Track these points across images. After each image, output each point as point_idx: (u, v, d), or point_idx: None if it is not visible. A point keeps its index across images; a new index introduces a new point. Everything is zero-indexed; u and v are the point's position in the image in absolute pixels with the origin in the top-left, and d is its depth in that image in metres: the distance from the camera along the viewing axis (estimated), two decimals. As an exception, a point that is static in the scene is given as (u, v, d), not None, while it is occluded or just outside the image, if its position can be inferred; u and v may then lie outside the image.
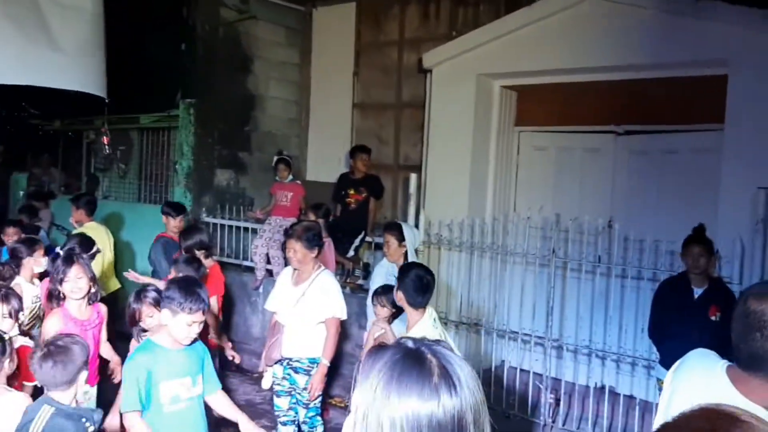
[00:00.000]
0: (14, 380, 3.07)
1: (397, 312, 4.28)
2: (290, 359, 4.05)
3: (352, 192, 6.52)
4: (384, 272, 4.76)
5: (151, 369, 2.83)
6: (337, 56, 7.71)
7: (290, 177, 7.01)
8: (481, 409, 1.07)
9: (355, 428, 1.09)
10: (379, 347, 1.21)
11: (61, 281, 3.48)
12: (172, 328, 2.85)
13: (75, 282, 3.48)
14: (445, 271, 5.81)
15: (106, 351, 3.80)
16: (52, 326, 3.40)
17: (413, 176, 6.04)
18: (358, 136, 7.54)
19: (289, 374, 4.07)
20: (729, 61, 4.67)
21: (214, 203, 7.24)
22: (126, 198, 8.23)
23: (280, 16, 7.64)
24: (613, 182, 5.78)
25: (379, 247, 6.18)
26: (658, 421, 1.71)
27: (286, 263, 6.49)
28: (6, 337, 2.75)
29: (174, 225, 5.54)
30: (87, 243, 4.63)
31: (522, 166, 6.32)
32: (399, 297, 3.46)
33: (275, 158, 7.09)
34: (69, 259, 3.54)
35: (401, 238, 4.70)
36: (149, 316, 3.46)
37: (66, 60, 5.63)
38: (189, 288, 2.88)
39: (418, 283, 3.42)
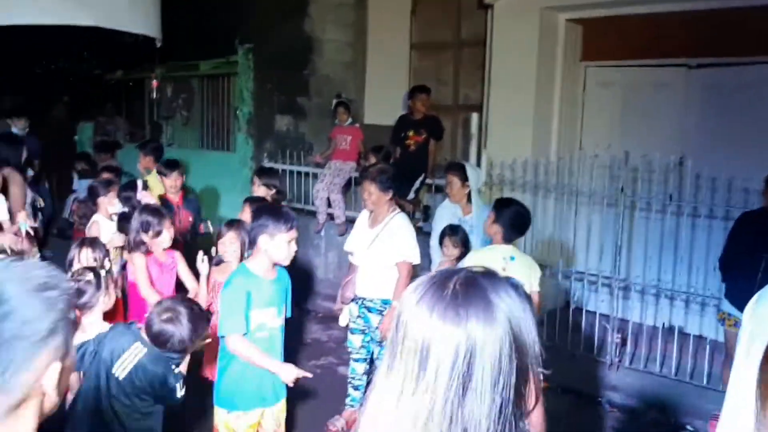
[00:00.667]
0: (113, 317, 3.22)
1: (465, 252, 4.30)
2: (364, 299, 4.10)
3: (411, 133, 6.42)
4: (448, 213, 4.74)
5: (250, 293, 2.94)
6: (393, -6, 7.55)
7: (349, 120, 7.00)
8: (503, 348, 1.02)
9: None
10: None
11: (149, 232, 3.69)
12: (272, 252, 2.94)
13: (168, 232, 3.75)
14: (508, 212, 5.75)
15: (190, 282, 3.94)
16: (141, 266, 3.59)
17: (474, 116, 5.95)
18: (416, 77, 7.41)
19: (363, 313, 4.12)
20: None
21: (275, 149, 7.31)
22: (189, 145, 8.38)
23: (335, -45, 7.50)
24: (684, 118, 5.55)
25: (439, 189, 6.14)
26: (739, 354, 1.65)
27: (348, 206, 6.63)
28: (102, 272, 2.88)
29: (170, 185, 5.20)
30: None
31: (588, 102, 6.13)
32: (494, 230, 3.46)
33: (334, 102, 7.08)
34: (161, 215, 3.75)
35: (464, 178, 4.64)
36: (231, 242, 3.59)
37: (121, 1, 5.61)
38: (276, 210, 3.03)
39: (519, 219, 3.45)
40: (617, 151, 5.30)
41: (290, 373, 2.96)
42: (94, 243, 3.60)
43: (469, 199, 4.71)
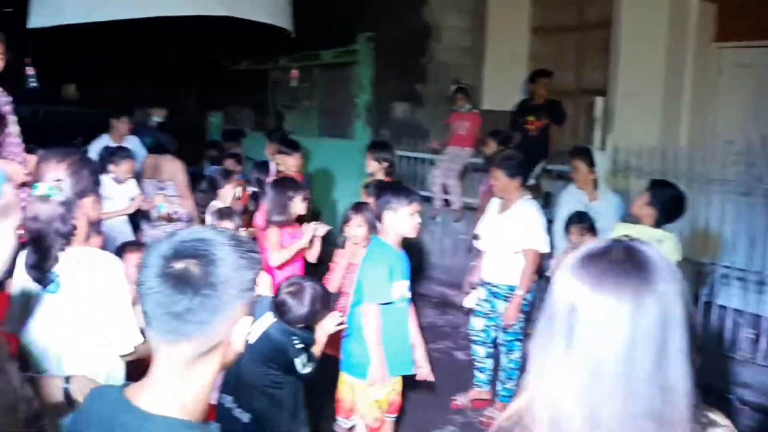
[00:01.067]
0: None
1: (591, 239, 4.22)
2: (490, 284, 4.12)
3: (532, 118, 6.32)
4: (573, 200, 4.66)
5: (392, 265, 3.10)
6: (513, -22, 7.44)
7: (468, 106, 6.99)
8: (682, 310, 1.05)
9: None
10: None
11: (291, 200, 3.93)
12: (399, 225, 3.10)
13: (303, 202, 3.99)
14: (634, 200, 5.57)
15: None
16: (275, 240, 3.81)
17: (599, 100, 5.78)
18: (537, 61, 7.28)
19: (490, 298, 4.14)
20: None
21: (392, 135, 7.43)
22: (309, 133, 8.69)
23: (454, -60, 7.49)
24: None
25: (560, 176, 6.04)
26: None
27: (465, 192, 6.64)
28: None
29: (292, 164, 5.27)
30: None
31: (722, 85, 5.80)
32: (646, 212, 3.41)
33: (453, 87, 7.08)
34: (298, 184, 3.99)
35: (591, 164, 4.55)
36: (359, 225, 3.76)
37: None
38: (396, 186, 3.26)
39: (675, 204, 3.43)
40: (754, 137, 5.00)
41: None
42: (230, 214, 3.86)
43: (595, 185, 4.61)
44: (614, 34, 5.87)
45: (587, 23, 6.83)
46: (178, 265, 1.07)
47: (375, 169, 4.95)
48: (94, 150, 6.55)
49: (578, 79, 6.98)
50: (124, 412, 1.11)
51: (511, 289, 4.00)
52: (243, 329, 1.15)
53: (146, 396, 1.12)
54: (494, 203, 4.24)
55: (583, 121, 6.77)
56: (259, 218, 4.29)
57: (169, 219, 4.82)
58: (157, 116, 7.27)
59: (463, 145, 6.89)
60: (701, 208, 5.33)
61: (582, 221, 4.23)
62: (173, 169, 5.34)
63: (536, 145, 6.16)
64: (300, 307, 2.74)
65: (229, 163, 6.33)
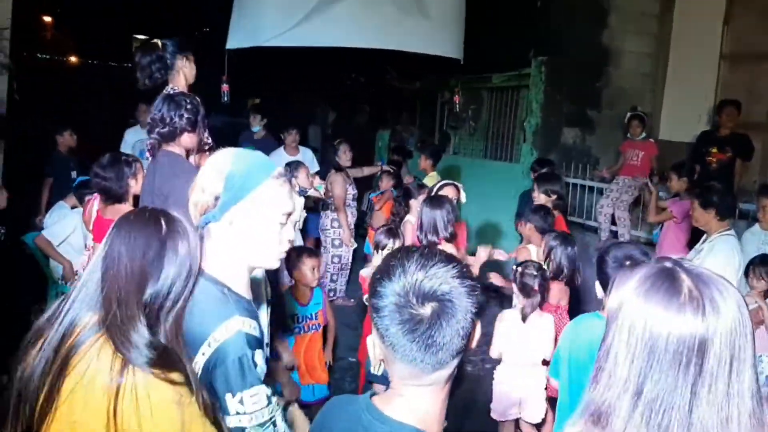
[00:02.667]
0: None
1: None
2: None
3: (714, 150, 5.87)
4: (756, 240, 4.24)
5: None
6: (704, 3, 6.97)
7: (643, 134, 6.63)
8: (737, 340, 1.03)
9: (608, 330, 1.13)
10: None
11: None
12: None
13: None
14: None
15: None
16: None
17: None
18: (725, 90, 6.74)
19: None
20: None
21: (560, 161, 7.23)
22: (474, 155, 8.71)
23: (641, -36, 7.19)
24: None
25: (743, 215, 5.52)
26: None
27: (635, 225, 6.28)
28: None
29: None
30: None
31: None
32: None
33: (628, 114, 6.75)
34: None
35: (785, 204, 4.10)
36: None
37: (431, 26, 6.03)
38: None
39: None
40: None
41: None
42: (396, 234, 3.98)
43: (782, 228, 4.15)
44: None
45: (787, 50, 6.22)
46: (425, 310, 1.15)
47: (543, 201, 4.80)
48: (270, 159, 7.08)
49: (773, 111, 6.36)
50: (374, 418, 1.23)
51: None
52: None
53: (392, 407, 1.23)
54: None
55: (775, 157, 6.16)
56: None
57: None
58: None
59: (635, 175, 6.54)
60: None
61: (764, 265, 3.83)
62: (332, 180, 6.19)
63: (717, 179, 5.67)
64: None
65: (384, 181, 6.54)
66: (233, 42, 5.53)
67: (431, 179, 6.01)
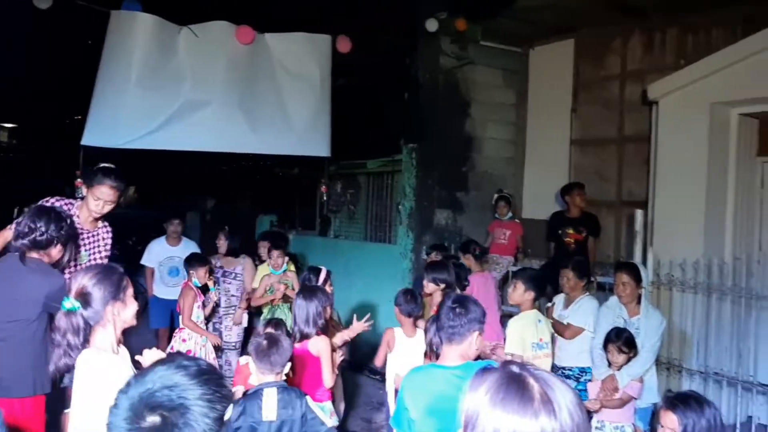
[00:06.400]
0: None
1: (632, 356, 4.15)
2: (563, 368, 4.70)
3: (571, 231, 6.39)
4: (612, 314, 4.55)
5: None
6: (554, 94, 7.67)
7: (509, 215, 7.09)
8: (580, 428, 1.15)
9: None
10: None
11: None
12: None
13: None
14: (677, 314, 5.42)
15: None
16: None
17: (639, 213, 5.76)
18: (577, 172, 7.37)
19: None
20: None
21: (434, 241, 7.50)
22: (354, 237, 8.87)
23: (497, 59, 7.82)
24: None
25: (601, 287, 5.94)
26: None
27: (501, 302, 6.57)
28: None
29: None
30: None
31: (766, 198, 5.71)
32: None
33: (495, 196, 7.22)
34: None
35: (639, 279, 4.47)
36: None
37: (295, 130, 6.28)
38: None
39: None
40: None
41: None
42: (278, 324, 3.96)
43: (638, 301, 4.51)
44: (654, 148, 5.92)
45: (627, 137, 6.93)
46: (150, 419, 1.12)
47: (432, 290, 4.90)
48: (151, 250, 6.88)
49: (619, 191, 6.99)
50: None
51: (582, 370, 4.62)
52: None
53: None
54: (560, 298, 4.98)
55: (624, 232, 6.73)
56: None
57: None
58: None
59: (503, 253, 6.93)
60: (749, 324, 5.15)
61: (618, 339, 4.13)
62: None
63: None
64: None
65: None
66: (90, 139, 5.40)
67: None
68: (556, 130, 7.60)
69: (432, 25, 6.88)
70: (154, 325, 6.84)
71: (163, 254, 6.81)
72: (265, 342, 3.04)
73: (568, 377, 4.60)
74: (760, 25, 5.25)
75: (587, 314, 4.69)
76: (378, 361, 4.28)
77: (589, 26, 7.15)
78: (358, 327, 4.26)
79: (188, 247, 6.78)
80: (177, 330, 5.57)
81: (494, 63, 7.82)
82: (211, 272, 5.79)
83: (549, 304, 5.12)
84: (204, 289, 5.58)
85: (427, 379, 2.76)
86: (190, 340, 5.39)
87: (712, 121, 5.57)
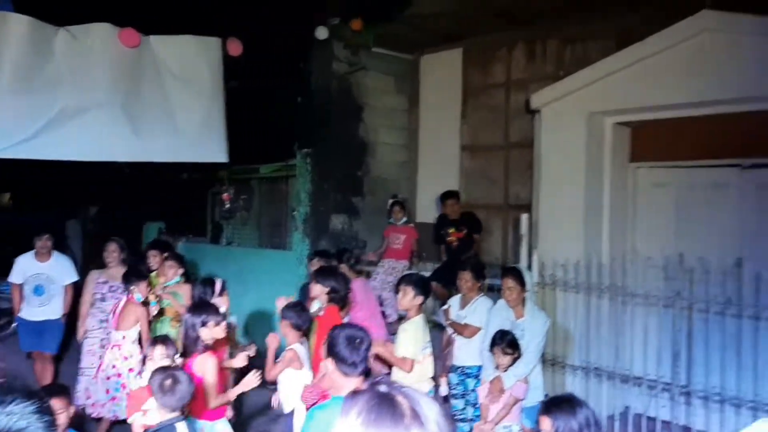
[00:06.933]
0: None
1: (516, 357, 4.30)
2: (463, 367, 4.90)
3: (452, 231, 6.68)
4: (500, 317, 4.72)
5: None
6: (444, 100, 7.86)
7: (404, 219, 7.20)
8: None
9: None
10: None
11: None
12: None
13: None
14: (561, 313, 5.70)
15: None
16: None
17: (524, 217, 6.01)
18: (467, 176, 7.61)
19: (462, 379, 4.86)
20: None
21: (330, 246, 7.49)
22: (248, 244, 8.70)
23: (388, 65, 7.93)
24: (740, 218, 5.47)
25: (491, 288, 6.15)
26: None
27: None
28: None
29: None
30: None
31: (640, 203, 6.12)
32: None
33: (390, 201, 7.31)
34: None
35: (523, 283, 4.67)
36: None
37: (187, 137, 6.07)
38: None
39: None
40: (673, 252, 5.26)
41: None
42: (166, 340, 3.81)
43: (523, 303, 4.70)
44: (536, 154, 6.19)
45: (512, 142, 7.22)
46: None
47: (318, 292, 4.87)
48: (18, 264, 6.38)
49: (506, 195, 7.28)
50: None
51: (480, 368, 4.76)
52: None
53: None
54: (456, 299, 5.18)
55: (511, 234, 7.01)
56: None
57: None
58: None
59: (398, 258, 7.02)
60: (625, 320, 5.50)
61: (502, 341, 4.30)
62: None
63: (460, 254, 6.43)
64: None
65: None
66: None
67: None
68: (447, 135, 7.80)
69: (322, 33, 6.90)
70: (24, 347, 6.33)
71: (30, 270, 6.31)
72: (168, 381, 2.97)
73: (468, 376, 4.81)
74: (634, 39, 5.62)
75: (483, 314, 4.89)
76: (270, 376, 4.12)
77: (477, 35, 7.40)
78: (250, 382, 3.91)
79: (59, 262, 6.37)
80: (111, 345, 5.24)
81: (386, 69, 7.92)
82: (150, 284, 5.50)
83: (445, 306, 5.24)
84: (144, 304, 5.27)
85: (335, 415, 2.72)
86: (131, 358, 5.10)
87: (589, 130, 5.90)
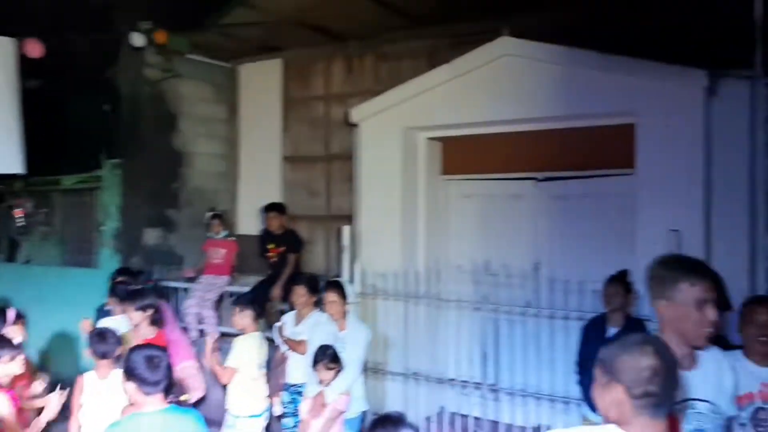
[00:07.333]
0: None
1: (338, 371, 4.35)
2: (296, 385, 4.90)
3: (272, 246, 6.62)
4: (324, 332, 4.74)
5: None
6: (264, 111, 7.77)
7: (224, 233, 6.97)
8: None
9: None
10: None
11: None
12: None
13: None
14: (382, 321, 5.88)
15: None
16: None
17: (346, 228, 6.12)
18: (289, 188, 7.58)
19: (295, 398, 4.85)
20: (635, 110, 5.00)
21: (143, 263, 7.07)
22: (50, 262, 7.94)
23: (205, 73, 7.66)
24: (536, 226, 6.00)
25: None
26: None
27: (222, 321, 6.46)
28: None
29: None
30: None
31: (451, 213, 6.49)
32: None
33: (209, 214, 7.06)
34: None
35: (344, 296, 4.73)
36: None
37: None
38: None
39: None
40: (480, 259, 5.65)
41: None
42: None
43: (344, 315, 4.77)
44: (356, 166, 6.34)
45: (333, 154, 7.32)
46: None
47: (139, 319, 4.51)
48: None
49: (328, 206, 7.36)
50: None
51: None
52: None
53: None
54: (290, 315, 5.16)
55: (334, 245, 7.09)
56: None
57: None
58: None
59: (218, 273, 6.79)
60: (440, 324, 5.81)
61: (324, 357, 4.33)
62: None
63: (279, 270, 6.41)
64: None
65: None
66: None
67: None
68: (268, 146, 7.71)
69: (138, 39, 6.55)
70: None
71: None
72: None
73: (300, 394, 4.79)
74: (443, 59, 5.96)
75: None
76: (72, 409, 3.84)
77: (296, 47, 7.40)
78: (53, 405, 3.63)
79: None
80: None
81: (203, 76, 7.65)
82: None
83: (279, 324, 5.14)
84: None
85: (134, 429, 2.74)
86: None
87: (404, 144, 6.16)
